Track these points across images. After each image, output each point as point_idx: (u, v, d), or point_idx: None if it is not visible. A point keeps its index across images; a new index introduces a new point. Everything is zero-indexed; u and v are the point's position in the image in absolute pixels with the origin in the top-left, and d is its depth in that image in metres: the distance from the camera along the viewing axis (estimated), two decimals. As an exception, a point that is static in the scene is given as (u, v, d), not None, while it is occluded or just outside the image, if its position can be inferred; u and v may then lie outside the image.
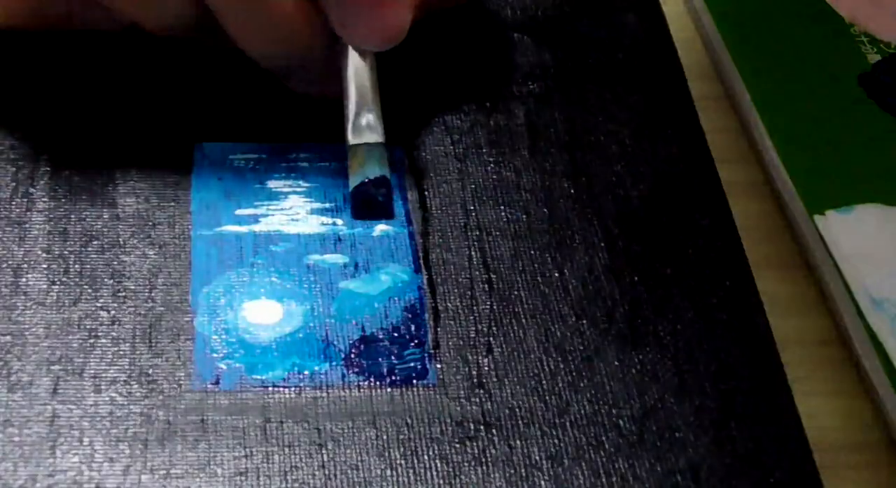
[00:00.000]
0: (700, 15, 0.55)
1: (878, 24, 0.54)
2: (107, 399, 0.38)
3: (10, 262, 0.41)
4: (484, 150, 0.47)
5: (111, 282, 0.41)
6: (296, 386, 0.39)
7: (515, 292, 0.43)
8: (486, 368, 0.40)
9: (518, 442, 0.39)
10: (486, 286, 0.43)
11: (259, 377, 0.39)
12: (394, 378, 0.40)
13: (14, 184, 0.43)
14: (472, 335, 0.41)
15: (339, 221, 0.44)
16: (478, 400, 0.40)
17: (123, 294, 0.41)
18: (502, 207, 0.45)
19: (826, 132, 0.49)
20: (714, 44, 0.54)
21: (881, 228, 0.46)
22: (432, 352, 0.41)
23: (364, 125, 0.43)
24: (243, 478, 0.37)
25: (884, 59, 0.52)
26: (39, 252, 0.41)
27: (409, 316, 0.42)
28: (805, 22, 0.54)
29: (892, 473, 0.41)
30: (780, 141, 0.49)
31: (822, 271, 0.46)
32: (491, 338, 0.41)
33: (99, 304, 0.40)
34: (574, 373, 0.41)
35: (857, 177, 0.48)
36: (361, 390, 0.40)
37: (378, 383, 0.40)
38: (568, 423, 0.39)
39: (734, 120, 0.52)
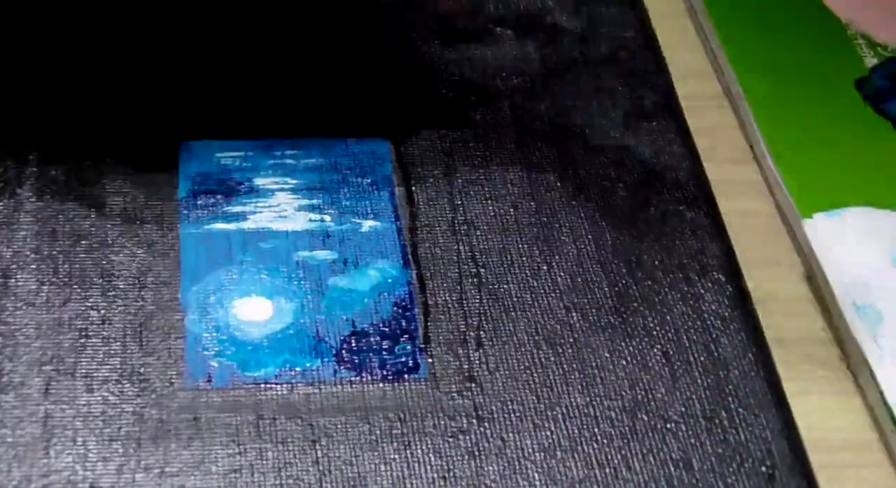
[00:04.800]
0: (699, 16, 0.55)
1: (875, 28, 0.54)
2: (99, 398, 0.38)
3: (-2, 263, 0.41)
4: (470, 145, 0.47)
5: (101, 281, 0.41)
6: (288, 383, 0.39)
7: (504, 286, 0.43)
8: (477, 362, 0.41)
9: (511, 435, 0.39)
10: (475, 280, 0.43)
11: (251, 374, 0.39)
12: (385, 373, 0.40)
13: (1, 184, 0.43)
14: (463, 329, 0.41)
15: (327, 218, 0.44)
16: (470, 393, 0.40)
17: (113, 293, 0.41)
18: (489, 201, 0.45)
19: (821, 135, 0.49)
20: (713, 45, 0.54)
21: (868, 232, 0.46)
22: (423, 346, 0.41)
23: None
24: (237, 475, 0.37)
25: (881, 63, 0.52)
26: (28, 252, 0.41)
27: (400, 311, 0.42)
28: (803, 24, 0.54)
29: (892, 473, 0.41)
30: (776, 143, 0.49)
31: (821, 270, 0.46)
32: (481, 332, 0.41)
33: (89, 304, 0.40)
34: (565, 366, 0.41)
35: (849, 180, 0.48)
36: (353, 385, 0.40)
37: (370, 378, 0.40)
38: (560, 415, 0.40)
39: (733, 120, 0.52)
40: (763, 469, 0.39)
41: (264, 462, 0.38)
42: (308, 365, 0.40)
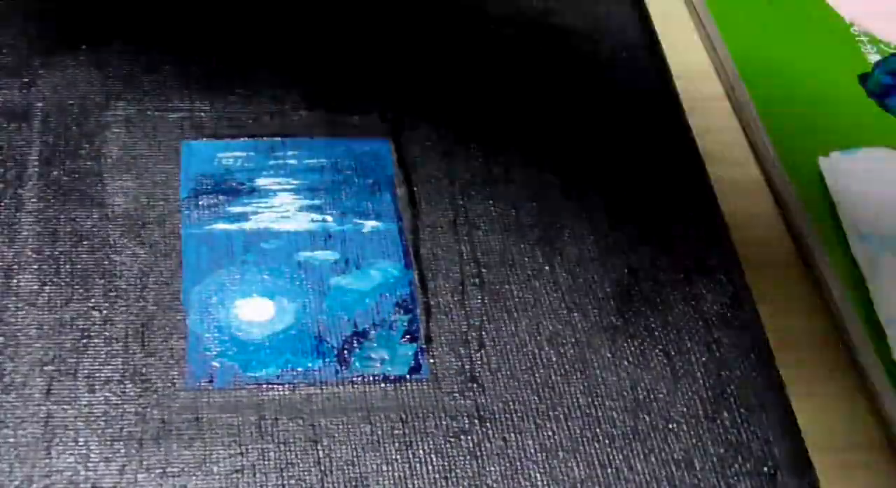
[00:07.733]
0: (701, 15, 0.55)
1: (879, 25, 0.54)
2: (101, 398, 0.38)
3: (0, 264, 0.41)
4: (472, 145, 0.47)
5: (102, 281, 0.41)
6: (290, 383, 0.39)
7: (506, 286, 0.43)
8: (479, 362, 0.41)
9: (512, 435, 0.39)
10: (476, 280, 0.43)
11: (253, 374, 0.39)
12: (387, 373, 0.40)
13: (2, 185, 0.43)
14: (465, 329, 0.41)
15: (329, 218, 0.44)
16: (471, 394, 0.40)
17: (115, 293, 0.41)
18: (491, 202, 0.45)
19: (826, 132, 0.50)
20: (715, 44, 0.54)
21: (883, 170, 0.46)
22: (425, 346, 0.41)
23: None
24: (239, 476, 0.37)
25: (883, 59, 0.52)
26: (30, 253, 0.41)
27: (401, 311, 0.42)
28: (805, 22, 0.54)
29: (892, 473, 0.42)
30: (780, 141, 0.49)
31: (822, 271, 0.46)
32: (483, 333, 0.41)
33: (91, 304, 0.40)
34: (567, 366, 0.41)
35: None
36: (355, 386, 0.40)
37: (371, 378, 0.40)
38: (562, 416, 0.40)
39: (734, 120, 0.52)
40: (765, 469, 0.39)
41: (266, 462, 0.38)
42: (310, 365, 0.40)
